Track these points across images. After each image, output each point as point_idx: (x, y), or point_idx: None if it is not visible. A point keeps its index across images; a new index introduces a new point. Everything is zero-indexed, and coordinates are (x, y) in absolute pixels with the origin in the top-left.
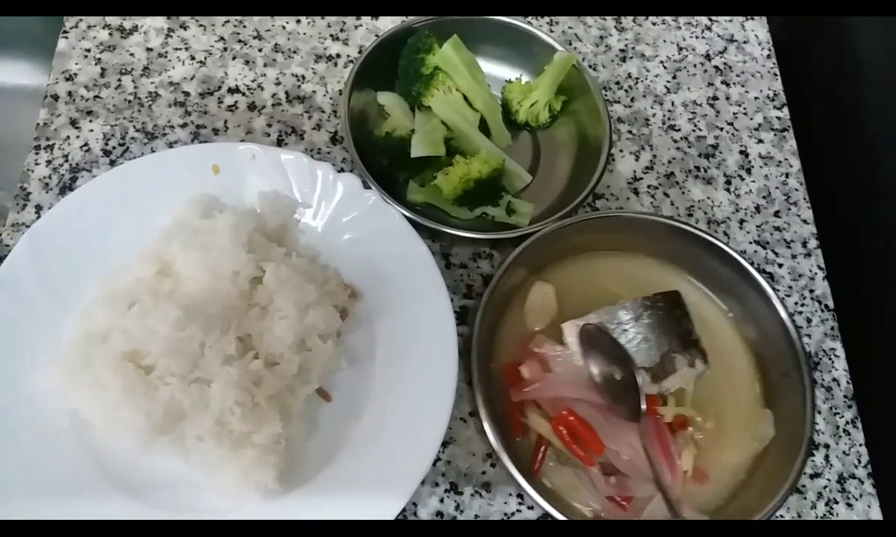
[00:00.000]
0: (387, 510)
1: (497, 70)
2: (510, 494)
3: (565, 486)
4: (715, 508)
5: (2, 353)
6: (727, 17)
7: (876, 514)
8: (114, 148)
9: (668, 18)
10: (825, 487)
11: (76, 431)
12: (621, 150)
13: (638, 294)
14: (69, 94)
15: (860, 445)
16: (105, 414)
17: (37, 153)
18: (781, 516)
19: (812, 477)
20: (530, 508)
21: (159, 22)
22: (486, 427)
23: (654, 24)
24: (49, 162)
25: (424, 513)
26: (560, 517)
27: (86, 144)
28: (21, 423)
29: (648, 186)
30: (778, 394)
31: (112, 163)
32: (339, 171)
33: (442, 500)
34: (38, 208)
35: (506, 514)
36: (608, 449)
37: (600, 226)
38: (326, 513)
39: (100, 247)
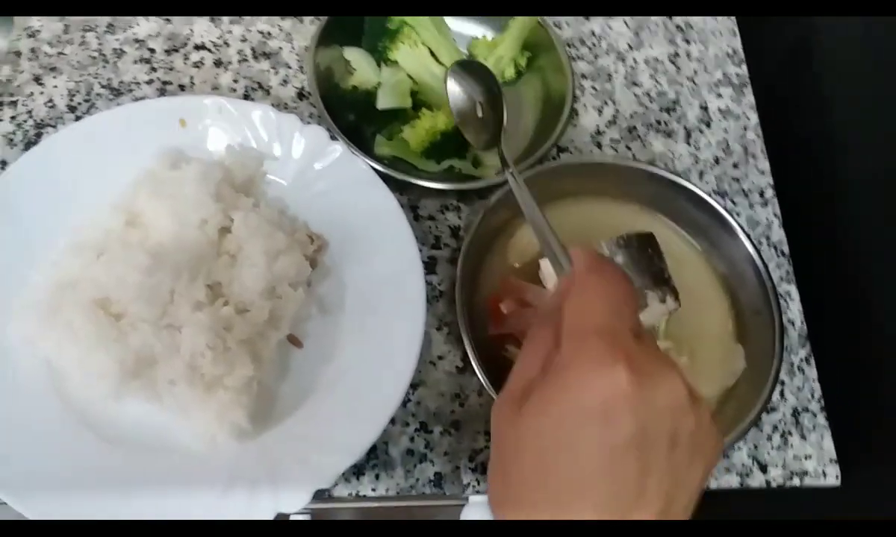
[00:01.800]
0: (358, 445)
1: (463, 27)
2: (478, 432)
3: None
4: None
5: None
6: None
7: (828, 444)
8: (79, 104)
9: None
10: (780, 420)
11: (51, 380)
12: (585, 105)
13: (615, 235)
14: (32, 50)
15: (813, 381)
16: (77, 360)
17: (0, 109)
18: (740, 447)
19: (768, 411)
20: None
21: None
22: (471, 356)
23: None
24: (13, 118)
25: (395, 451)
26: None
27: (50, 100)
28: None
29: (611, 140)
30: (749, 330)
31: (77, 119)
32: (306, 124)
33: (412, 439)
34: (3, 163)
35: (473, 450)
36: None
37: (580, 172)
38: (298, 450)
39: (67, 200)
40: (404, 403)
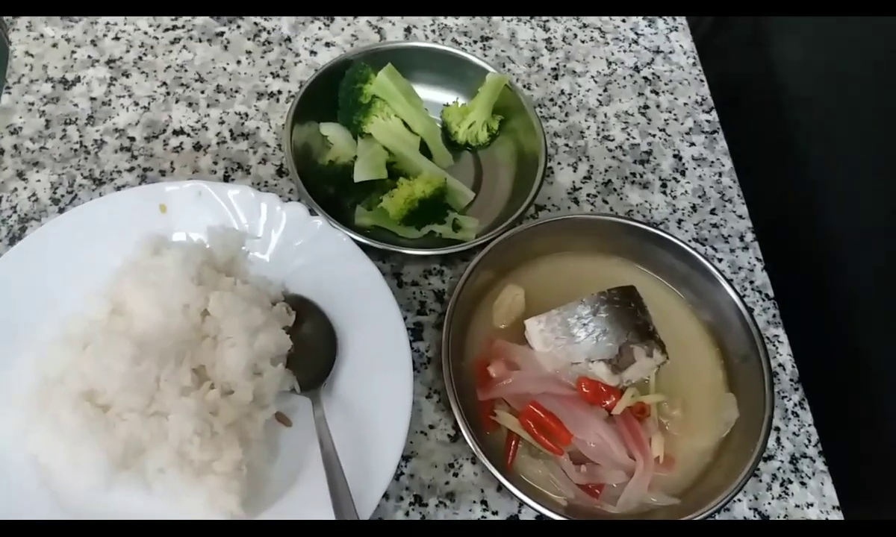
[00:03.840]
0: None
1: (434, 95)
2: (474, 501)
3: (539, 478)
4: (683, 491)
5: None
6: (652, 30)
7: (829, 490)
8: (62, 196)
9: (597, 36)
10: (779, 468)
11: (38, 476)
12: (559, 163)
13: (597, 290)
14: (14, 147)
15: (809, 425)
16: (65, 453)
17: None
18: (739, 499)
19: (766, 459)
20: (495, 513)
21: (101, 72)
22: (461, 425)
23: (582, 41)
24: None
25: None
26: (536, 507)
27: (34, 195)
28: None
29: (588, 195)
30: (739, 378)
31: (61, 212)
32: (285, 201)
33: (407, 514)
34: None
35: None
36: (575, 439)
37: (559, 229)
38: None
39: (53, 292)
40: (397, 477)
